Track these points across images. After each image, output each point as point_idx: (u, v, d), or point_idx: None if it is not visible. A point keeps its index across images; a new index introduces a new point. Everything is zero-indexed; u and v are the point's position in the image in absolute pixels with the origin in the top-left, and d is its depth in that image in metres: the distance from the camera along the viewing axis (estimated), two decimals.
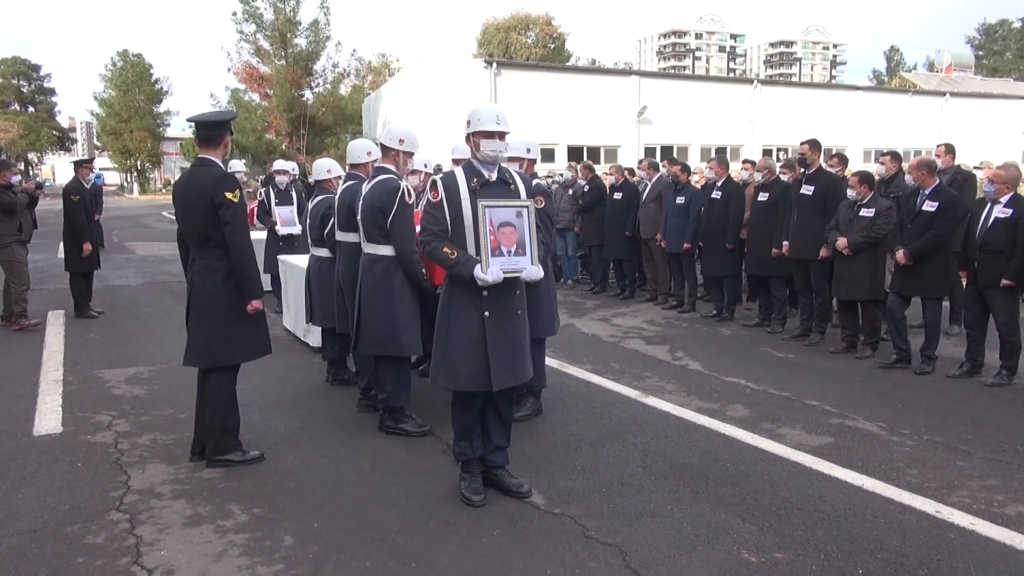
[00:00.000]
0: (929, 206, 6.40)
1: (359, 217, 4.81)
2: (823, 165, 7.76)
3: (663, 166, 9.98)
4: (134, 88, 55.45)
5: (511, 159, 5.22)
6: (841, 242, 6.92)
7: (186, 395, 5.73)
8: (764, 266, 8.09)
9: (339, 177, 6.21)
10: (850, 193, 7.17)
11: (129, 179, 63.59)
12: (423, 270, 4.70)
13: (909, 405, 5.53)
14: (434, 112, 25.78)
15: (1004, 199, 5.96)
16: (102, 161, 68.25)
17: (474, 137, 3.81)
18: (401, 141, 4.81)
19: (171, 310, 9.35)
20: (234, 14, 35.32)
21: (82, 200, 8.89)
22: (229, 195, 4.13)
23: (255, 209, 9.78)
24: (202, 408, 4.41)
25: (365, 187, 4.80)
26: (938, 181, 6.60)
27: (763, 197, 8.16)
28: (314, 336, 7.26)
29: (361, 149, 5.35)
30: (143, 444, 4.79)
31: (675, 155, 29.93)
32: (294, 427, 5.11)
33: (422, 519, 3.75)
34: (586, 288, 11.20)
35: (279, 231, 8.90)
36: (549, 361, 6.76)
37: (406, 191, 4.62)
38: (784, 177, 8.32)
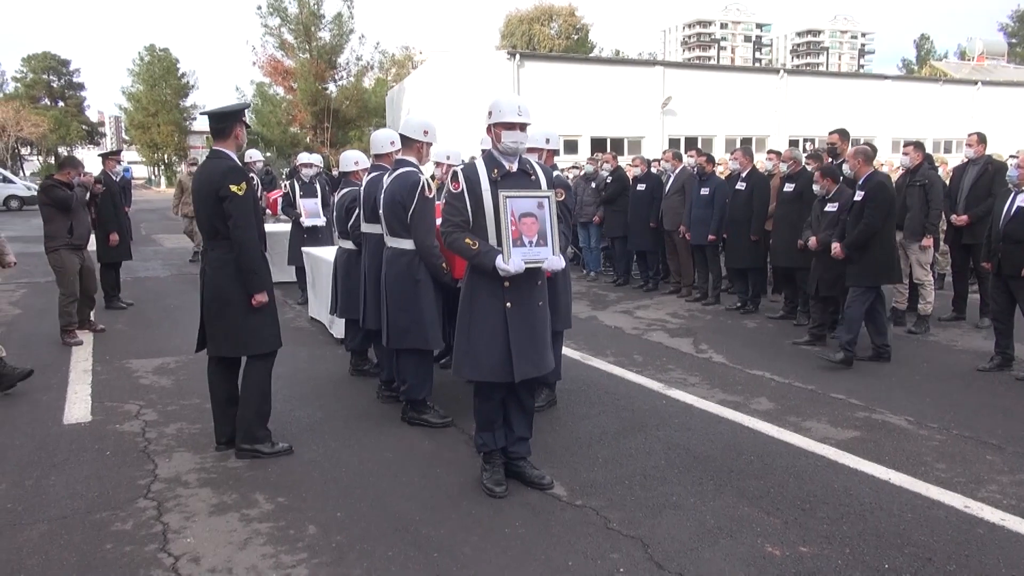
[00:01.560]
0: (858, 196, 6.35)
1: (381, 211, 4.82)
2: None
3: (688, 156, 9.90)
4: (161, 82, 56.08)
5: (530, 150, 5.20)
6: (812, 241, 6.87)
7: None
8: (790, 258, 7.99)
9: (366, 169, 6.24)
10: (816, 188, 7.13)
11: (157, 172, 64.42)
12: (443, 264, 4.70)
13: (938, 399, 5.45)
14: (457, 104, 25.76)
15: None
16: (130, 155, 69.18)
17: (495, 128, 3.80)
18: (425, 132, 4.81)
19: (197, 302, 9.43)
20: (259, 8, 35.63)
21: (109, 192, 9.01)
22: (234, 188, 4.15)
23: (279, 200, 9.88)
24: (219, 398, 4.46)
25: (386, 180, 4.81)
26: (872, 170, 6.52)
27: (789, 188, 8.05)
28: (339, 327, 7.31)
29: (384, 139, 5.35)
30: (170, 433, 4.85)
31: (699, 146, 29.67)
32: (318, 417, 5.15)
33: (444, 509, 3.76)
34: (609, 280, 11.15)
35: (303, 223, 8.96)
36: (572, 353, 6.76)
37: (426, 185, 4.62)
38: (810, 168, 8.21)
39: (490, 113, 3.82)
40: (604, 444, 4.63)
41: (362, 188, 5.35)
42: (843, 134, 7.52)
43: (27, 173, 54.86)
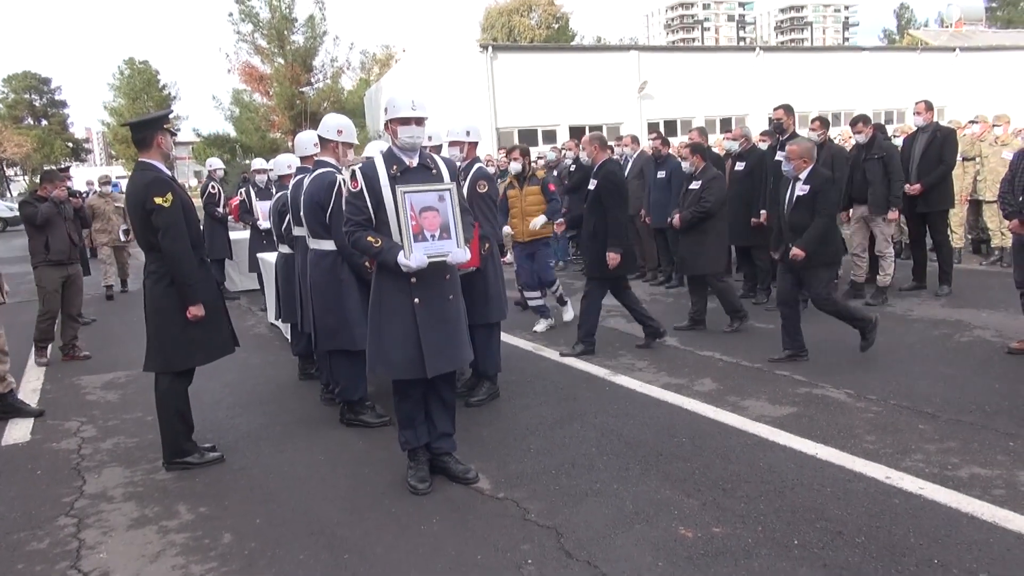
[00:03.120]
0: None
1: (301, 213, 4.79)
2: (797, 131, 7.61)
3: (650, 139, 9.85)
4: (142, 95, 55.69)
5: (452, 143, 5.18)
6: (676, 218, 6.89)
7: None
8: (745, 236, 7.97)
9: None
10: (684, 166, 7.16)
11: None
12: (365, 262, 4.67)
13: (883, 371, 5.43)
14: (434, 100, 25.69)
15: (803, 175, 5.70)
16: (117, 169, 68.90)
17: (391, 124, 3.77)
18: (339, 132, 4.77)
19: None
20: (230, 15, 35.39)
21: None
22: (159, 200, 4.10)
23: (238, 207, 9.84)
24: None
25: (306, 181, 4.78)
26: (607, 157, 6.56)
27: (740, 166, 8.03)
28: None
29: (308, 141, 5.32)
30: (105, 448, 4.83)
31: (679, 128, 29.62)
32: (258, 424, 5.12)
33: (365, 510, 3.74)
34: (578, 269, 11.11)
35: (260, 226, 8.92)
36: (523, 344, 6.74)
37: (343, 184, 4.58)
38: (762, 145, 8.18)
39: (385, 110, 3.79)
40: (539, 434, 4.61)
41: (289, 190, 5.32)
42: (788, 109, 7.48)
43: (14, 194, 54.68)
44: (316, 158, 4.90)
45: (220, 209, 10.33)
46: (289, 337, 7.35)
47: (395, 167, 3.74)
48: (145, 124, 4.30)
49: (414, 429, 3.94)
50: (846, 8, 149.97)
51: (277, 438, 4.84)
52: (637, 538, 3.30)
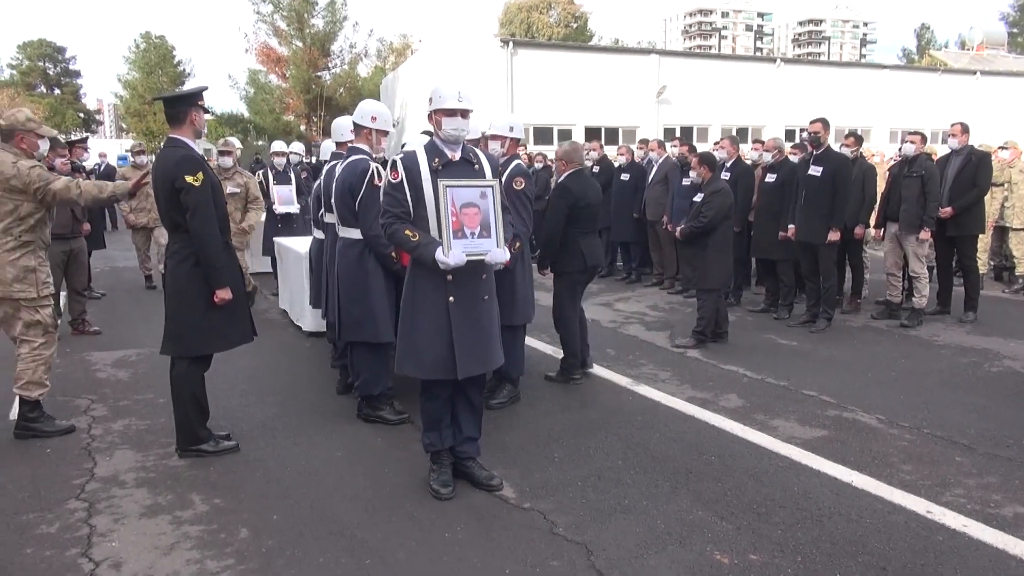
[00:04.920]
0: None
1: (332, 200, 4.66)
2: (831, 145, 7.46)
3: (671, 146, 9.72)
4: (157, 70, 55.52)
5: (492, 138, 5.04)
6: (679, 230, 6.83)
7: (168, 378, 5.66)
8: (771, 250, 7.85)
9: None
10: (691, 175, 7.13)
11: (132, 161, 63.94)
12: (392, 253, 4.54)
13: (912, 396, 5.29)
14: None
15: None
16: (127, 142, 68.59)
17: (436, 115, 3.63)
18: (374, 119, 4.63)
19: None
20: None
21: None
22: (189, 179, 3.96)
23: None
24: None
25: (338, 168, 4.65)
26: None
27: (771, 178, 7.90)
28: (307, 319, 7.16)
29: (345, 127, 5.17)
30: (116, 430, 4.70)
31: (695, 135, 29.45)
32: (272, 413, 5.00)
33: (385, 512, 3.61)
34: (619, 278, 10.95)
35: (276, 210, 8.81)
36: (542, 347, 6.61)
37: (375, 173, 4.45)
38: (793, 158, 8.04)
39: (431, 100, 3.65)
40: (562, 443, 4.48)
41: (322, 177, 5.19)
42: (826, 123, 7.32)
43: None
44: (350, 145, 4.76)
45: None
46: (301, 325, 7.27)
47: (437, 160, 3.60)
48: (180, 99, 4.16)
49: (439, 431, 3.81)
50: (865, 25, 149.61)
51: (292, 429, 4.71)
52: (671, 560, 3.17)
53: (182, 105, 4.11)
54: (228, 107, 45.91)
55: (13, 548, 3.27)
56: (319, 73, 35.66)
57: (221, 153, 8.15)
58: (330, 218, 5.01)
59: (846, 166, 7.27)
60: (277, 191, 8.90)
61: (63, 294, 7.16)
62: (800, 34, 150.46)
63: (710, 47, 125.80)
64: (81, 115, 68.18)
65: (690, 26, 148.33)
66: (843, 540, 3.31)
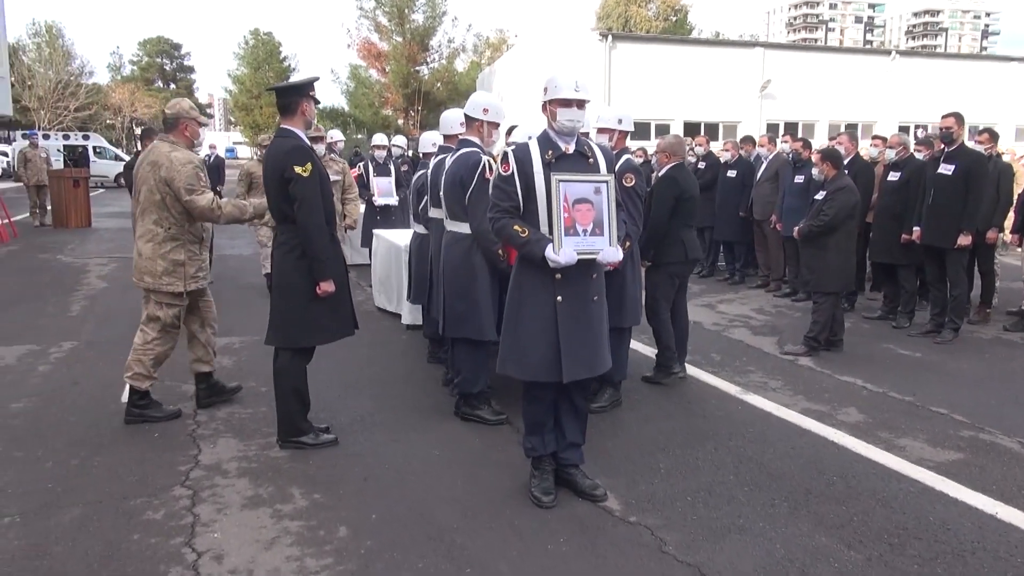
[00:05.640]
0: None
1: (441, 193, 4.56)
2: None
3: (782, 142, 9.25)
4: (264, 65, 57.72)
5: (600, 131, 4.84)
6: (797, 229, 6.36)
7: (270, 367, 5.69)
8: (892, 253, 7.34)
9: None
10: (814, 172, 6.65)
11: (260, 153, 66.72)
12: (499, 251, 4.40)
13: None
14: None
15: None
16: (235, 135, 71.62)
17: (551, 106, 3.46)
18: (485, 111, 4.50)
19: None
20: None
21: None
22: (299, 169, 3.94)
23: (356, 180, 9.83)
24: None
25: (449, 160, 4.54)
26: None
27: (894, 177, 7.38)
28: (405, 312, 7.15)
29: (454, 120, 5.06)
30: (220, 417, 4.77)
31: (800, 132, 28.25)
32: (369, 408, 4.96)
33: (485, 517, 3.48)
34: (694, 272, 10.56)
35: (376, 201, 8.87)
36: (642, 348, 6.37)
37: (487, 166, 4.32)
38: (919, 155, 7.48)
39: (545, 89, 3.48)
40: (668, 453, 4.24)
41: (429, 170, 5.11)
42: (959, 118, 6.76)
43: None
44: (461, 137, 4.65)
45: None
46: (403, 317, 7.26)
47: (550, 152, 3.43)
48: (292, 89, 4.14)
49: (542, 436, 3.66)
50: (987, 15, 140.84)
51: (389, 425, 4.65)
52: None
53: (293, 95, 4.10)
54: (329, 101, 47.10)
55: (122, 533, 3.30)
56: (417, 68, 36.14)
57: (312, 140, 8.09)
58: (436, 212, 4.93)
59: (981, 164, 6.70)
60: (377, 183, 8.95)
61: None
62: (914, 26, 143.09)
63: (816, 40, 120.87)
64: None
65: (795, 18, 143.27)
66: None
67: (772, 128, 25.97)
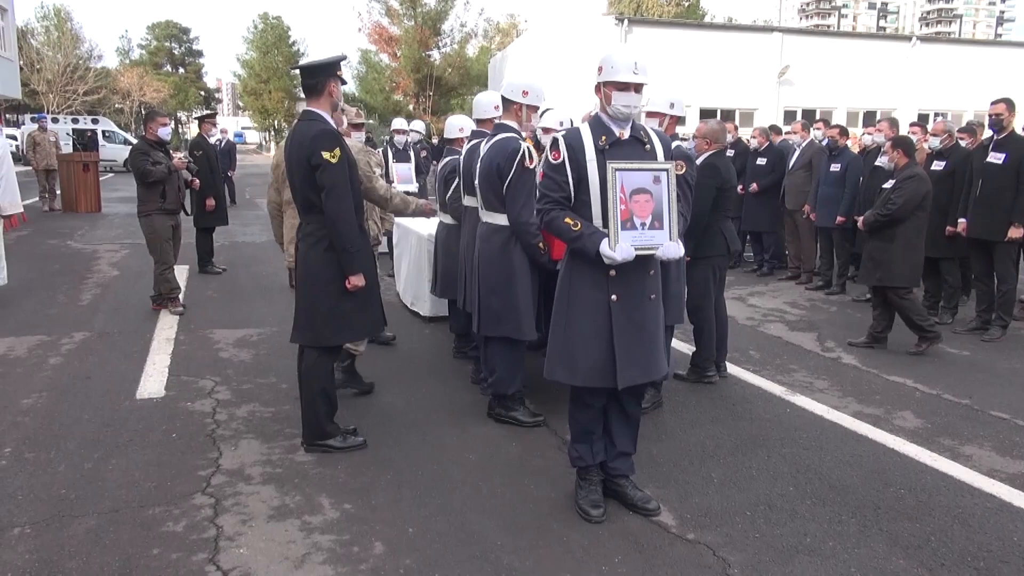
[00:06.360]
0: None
1: (476, 181, 4.27)
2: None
3: (815, 129, 8.91)
4: (273, 50, 57.38)
5: (650, 115, 4.55)
6: (860, 220, 6.06)
7: (289, 362, 5.42)
8: (935, 246, 6.98)
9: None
10: (882, 161, 6.27)
11: (268, 138, 66.46)
12: (540, 243, 4.12)
13: None
14: (562, 73, 24.94)
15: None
16: (243, 120, 71.33)
17: (605, 88, 3.16)
18: (524, 93, 4.19)
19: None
20: None
21: (205, 155, 8.88)
22: (327, 155, 3.65)
23: None
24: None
25: (484, 147, 4.25)
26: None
27: (938, 166, 7.03)
28: (424, 305, 6.89)
29: (488, 103, 4.76)
30: (240, 416, 4.51)
31: (818, 118, 27.73)
32: (397, 407, 4.70)
33: (531, 533, 3.22)
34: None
35: (395, 188, 8.56)
36: (678, 344, 6.08)
37: (527, 153, 4.02)
38: (963, 143, 7.15)
39: (600, 69, 3.19)
40: (719, 460, 3.97)
41: (461, 157, 4.81)
42: (1010, 104, 6.42)
43: None
44: (496, 121, 4.35)
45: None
46: (418, 310, 6.99)
47: (603, 138, 3.15)
48: (319, 68, 3.85)
49: (590, 444, 3.39)
50: (1003, 1, 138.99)
51: (418, 425, 4.39)
52: None
53: (321, 75, 3.81)
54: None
55: (140, 547, 3.06)
56: (429, 52, 35.71)
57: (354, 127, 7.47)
58: (470, 201, 4.64)
59: None
60: (396, 169, 8.68)
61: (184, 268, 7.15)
62: (928, 12, 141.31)
63: (828, 26, 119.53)
64: (202, 93, 71.49)
65: (808, 4, 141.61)
66: None
67: (790, 115, 25.53)
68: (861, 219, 6.14)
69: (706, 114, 25.65)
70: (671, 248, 3.09)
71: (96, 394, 4.84)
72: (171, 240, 7.07)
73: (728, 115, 26.42)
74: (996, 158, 6.37)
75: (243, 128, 73.89)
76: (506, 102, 4.23)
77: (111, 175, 27.01)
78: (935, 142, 7.15)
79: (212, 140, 9.33)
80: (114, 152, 29.35)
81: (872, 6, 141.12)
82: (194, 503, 3.43)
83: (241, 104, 67.64)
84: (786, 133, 9.93)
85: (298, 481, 3.67)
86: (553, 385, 4.88)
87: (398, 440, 4.18)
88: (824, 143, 8.43)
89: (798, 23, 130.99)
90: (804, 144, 8.79)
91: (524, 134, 4.23)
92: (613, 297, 3.13)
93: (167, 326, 6.56)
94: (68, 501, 3.43)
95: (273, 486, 3.61)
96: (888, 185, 6.01)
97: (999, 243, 6.37)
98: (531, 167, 4.03)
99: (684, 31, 28.48)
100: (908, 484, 3.71)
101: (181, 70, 70.51)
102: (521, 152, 4.00)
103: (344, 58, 3.99)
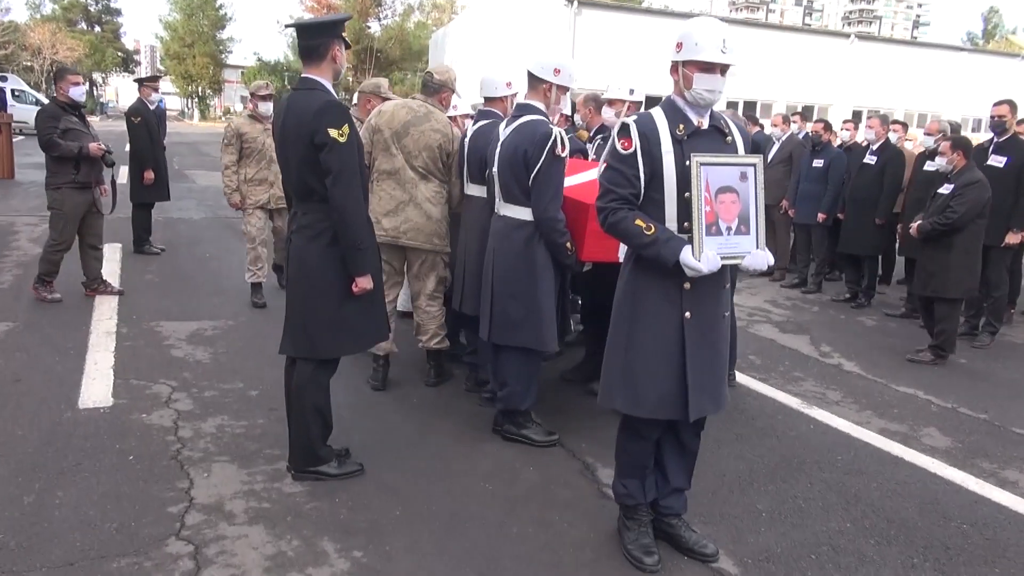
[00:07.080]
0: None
1: (494, 169, 3.73)
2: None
3: (794, 122, 8.68)
4: (199, 12, 54.71)
5: (610, 103, 4.23)
6: (914, 227, 5.77)
7: (255, 364, 4.87)
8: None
9: (466, 116, 5.12)
10: (938, 161, 5.91)
11: (190, 105, 63.38)
12: (567, 244, 3.63)
13: None
14: (506, 54, 24.33)
15: None
16: (164, 85, 67.76)
17: (685, 68, 2.69)
18: (556, 72, 3.66)
19: (233, 250, 8.44)
20: None
21: (144, 122, 8.02)
22: (334, 133, 3.05)
23: None
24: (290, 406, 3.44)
25: (503, 130, 3.71)
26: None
27: (931, 166, 6.83)
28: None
29: (499, 80, 4.21)
30: (208, 432, 3.88)
31: (758, 111, 28.00)
32: (393, 421, 4.15)
33: None
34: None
35: None
36: None
37: (559, 139, 3.51)
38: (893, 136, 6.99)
39: (680, 45, 2.72)
40: (759, 489, 3.60)
41: (466, 140, 4.24)
42: (1012, 106, 6.27)
43: None
44: (520, 102, 3.79)
45: None
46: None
47: (681, 127, 2.68)
48: (321, 28, 3.24)
49: (642, 480, 2.95)
50: (919, 6, 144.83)
51: (420, 444, 3.86)
52: None
53: (323, 35, 3.19)
54: (274, 55, 44.73)
55: None
56: (368, 24, 34.44)
57: (262, 98, 6.26)
58: (475, 189, 4.11)
59: None
60: None
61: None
62: (851, 12, 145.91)
63: (756, 20, 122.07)
64: (120, 54, 67.55)
65: None
66: None
67: (731, 105, 25.62)
68: (915, 226, 5.77)
69: (652, 101, 25.50)
70: (759, 257, 2.66)
71: (30, 402, 4.11)
72: (77, 219, 6.06)
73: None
74: (997, 161, 6.22)
75: (163, 94, 70.17)
76: (533, 79, 3.69)
77: (21, 138, 24.99)
78: (928, 141, 6.97)
79: (152, 108, 8.39)
80: (24, 113, 27.15)
81: (798, 3, 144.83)
82: (168, 551, 2.83)
83: (162, 68, 64.15)
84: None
85: (292, 519, 3.10)
86: (559, 397, 4.45)
87: (399, 462, 3.64)
88: (801, 136, 8.20)
89: (727, 15, 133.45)
90: (784, 138, 8.54)
91: (553, 118, 3.72)
92: (687, 314, 2.68)
93: (105, 316, 5.78)
94: (8, 552, 2.77)
95: (263, 526, 3.03)
96: (944, 190, 5.71)
97: (994, 248, 6.22)
98: (562, 155, 3.52)
99: (633, 16, 28.28)
100: (968, 518, 3.41)
101: (97, 28, 66.37)
102: (553, 138, 3.48)
103: (349, 17, 3.39)
